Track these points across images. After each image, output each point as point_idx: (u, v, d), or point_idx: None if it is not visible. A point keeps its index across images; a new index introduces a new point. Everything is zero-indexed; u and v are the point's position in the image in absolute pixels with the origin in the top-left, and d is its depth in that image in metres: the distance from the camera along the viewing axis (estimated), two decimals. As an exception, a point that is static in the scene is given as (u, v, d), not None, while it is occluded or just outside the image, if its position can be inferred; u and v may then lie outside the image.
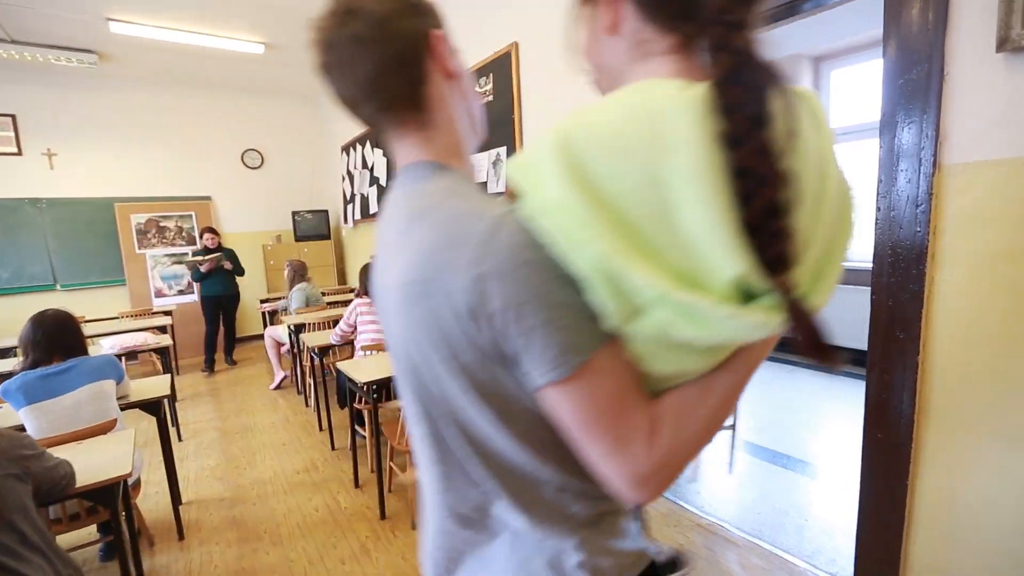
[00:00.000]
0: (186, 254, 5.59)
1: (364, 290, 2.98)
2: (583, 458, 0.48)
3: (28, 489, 1.23)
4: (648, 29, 0.48)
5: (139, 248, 5.55)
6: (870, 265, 1.43)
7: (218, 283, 4.96)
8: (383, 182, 4.81)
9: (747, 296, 0.40)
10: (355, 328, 2.96)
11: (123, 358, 3.81)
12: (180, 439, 3.35)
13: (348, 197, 5.82)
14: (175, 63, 4.98)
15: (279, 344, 4.36)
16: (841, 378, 3.81)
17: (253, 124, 6.18)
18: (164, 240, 5.70)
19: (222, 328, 5.15)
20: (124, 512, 1.63)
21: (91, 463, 1.52)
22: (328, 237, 6.42)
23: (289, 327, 3.82)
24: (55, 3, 3.67)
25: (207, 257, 4.82)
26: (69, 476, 1.35)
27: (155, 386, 2.28)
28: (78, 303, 5.25)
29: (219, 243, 5.01)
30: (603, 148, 0.40)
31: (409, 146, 0.59)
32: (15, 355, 3.46)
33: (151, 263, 5.61)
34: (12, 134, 4.97)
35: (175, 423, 3.40)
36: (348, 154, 5.67)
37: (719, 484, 2.43)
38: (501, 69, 2.98)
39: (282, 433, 3.40)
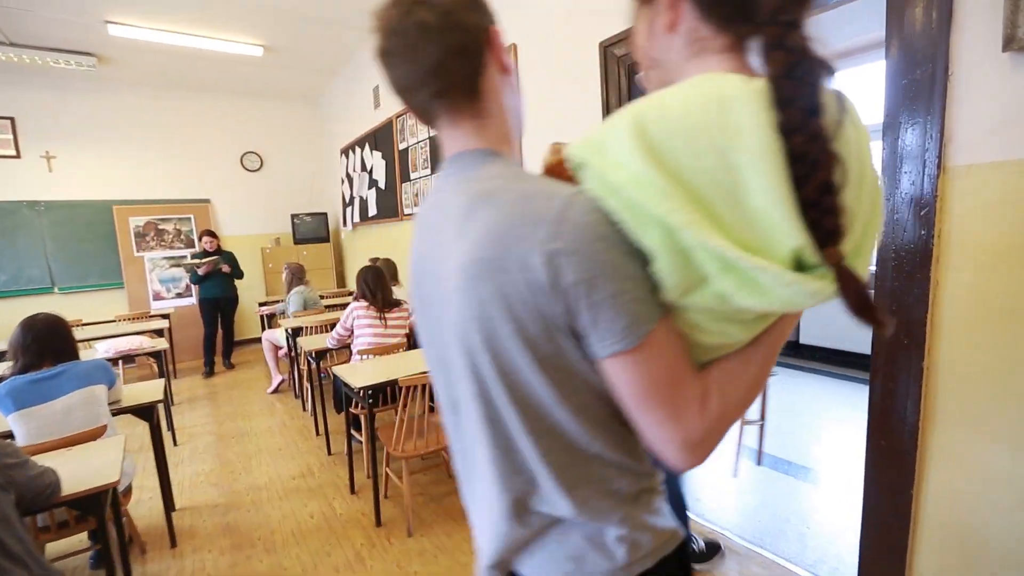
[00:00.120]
0: (184, 257, 5.57)
1: (362, 293, 2.95)
2: (638, 426, 0.51)
3: (11, 499, 1.20)
4: (704, 28, 0.52)
5: (137, 251, 5.54)
6: (873, 268, 1.40)
7: (216, 286, 4.95)
8: (382, 185, 4.79)
9: (800, 268, 0.44)
10: (352, 332, 2.93)
11: (120, 362, 3.80)
12: (175, 444, 3.32)
13: (347, 200, 5.80)
14: (174, 65, 4.97)
15: (277, 347, 4.33)
16: (844, 382, 3.78)
17: (252, 127, 6.17)
18: (163, 243, 5.68)
19: (220, 331, 5.13)
20: (114, 520, 1.60)
21: (79, 470, 1.49)
22: (327, 240, 6.40)
23: (287, 330, 3.79)
24: (54, 6, 3.66)
25: (204, 260, 4.80)
26: (54, 485, 1.32)
27: (148, 391, 2.25)
28: (76, 306, 5.24)
29: (218, 246, 5.00)
30: (678, 131, 0.43)
31: (463, 134, 0.61)
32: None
33: (149, 266, 5.60)
34: (11, 136, 4.96)
35: (170, 427, 3.37)
36: (347, 157, 5.66)
37: (719, 491, 2.39)
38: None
39: (278, 438, 3.37)
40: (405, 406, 2.14)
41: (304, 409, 3.87)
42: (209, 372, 5.08)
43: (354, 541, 2.17)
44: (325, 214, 6.41)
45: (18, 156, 5.00)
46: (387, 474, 2.48)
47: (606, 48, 2.21)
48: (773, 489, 2.40)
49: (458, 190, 0.58)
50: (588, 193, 0.48)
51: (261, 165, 6.28)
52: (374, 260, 4.08)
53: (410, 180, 4.25)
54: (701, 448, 0.49)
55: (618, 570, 0.56)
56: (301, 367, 3.84)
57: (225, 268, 4.91)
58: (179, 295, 5.74)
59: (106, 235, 5.40)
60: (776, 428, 2.94)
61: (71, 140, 5.22)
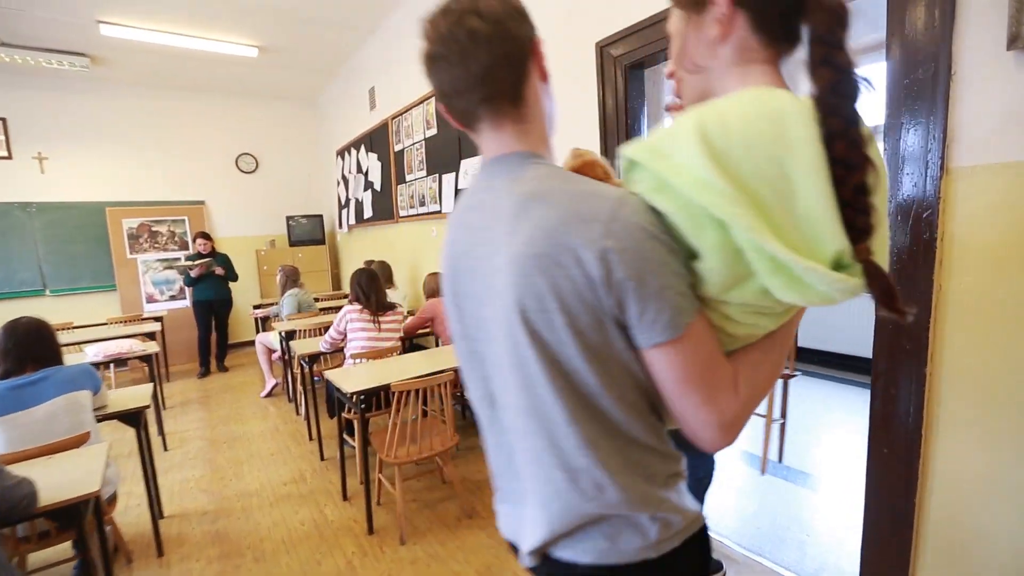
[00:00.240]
0: (178, 259, 5.52)
1: (355, 296, 2.91)
2: (677, 410, 0.56)
3: (-16, 510, 1.16)
4: (753, 40, 0.57)
5: (130, 253, 5.48)
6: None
7: (210, 288, 4.91)
8: (377, 186, 4.76)
9: (836, 267, 0.48)
10: (345, 335, 2.89)
11: (111, 365, 3.74)
12: (166, 449, 3.27)
13: (343, 202, 5.76)
14: (168, 66, 4.93)
15: (271, 351, 4.28)
16: (843, 385, 3.75)
17: (247, 128, 6.13)
18: (156, 245, 5.63)
19: (215, 333, 5.08)
20: (96, 530, 1.56)
21: (60, 479, 1.44)
22: (323, 242, 6.36)
23: (280, 333, 3.75)
24: (45, 6, 3.62)
25: (197, 262, 4.75)
26: (30, 496, 1.28)
27: (136, 396, 2.20)
28: (68, 309, 5.18)
29: (212, 248, 4.95)
30: (739, 141, 0.48)
31: (507, 137, 0.64)
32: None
33: (143, 268, 5.54)
34: (2, 137, 4.91)
35: (161, 432, 3.32)
36: (343, 158, 5.62)
37: (716, 496, 2.35)
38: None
39: (271, 442, 3.32)
40: (398, 411, 2.10)
41: (297, 413, 3.83)
42: (204, 372, 5.04)
43: (345, 549, 2.12)
44: (321, 216, 6.36)
45: (10, 157, 4.96)
46: (380, 480, 2.43)
47: (603, 48, 2.18)
48: (772, 495, 2.36)
49: (506, 190, 0.61)
50: (637, 193, 0.54)
51: (256, 167, 6.24)
52: (369, 262, 4.04)
53: (405, 182, 4.21)
54: (733, 428, 0.55)
55: (649, 547, 0.60)
56: (294, 371, 3.79)
57: (219, 270, 4.87)
58: (173, 297, 5.69)
59: (99, 237, 5.34)
60: (775, 432, 2.90)
61: (64, 141, 5.17)
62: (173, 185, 5.76)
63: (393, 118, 4.31)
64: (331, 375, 2.37)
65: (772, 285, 0.49)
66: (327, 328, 3.02)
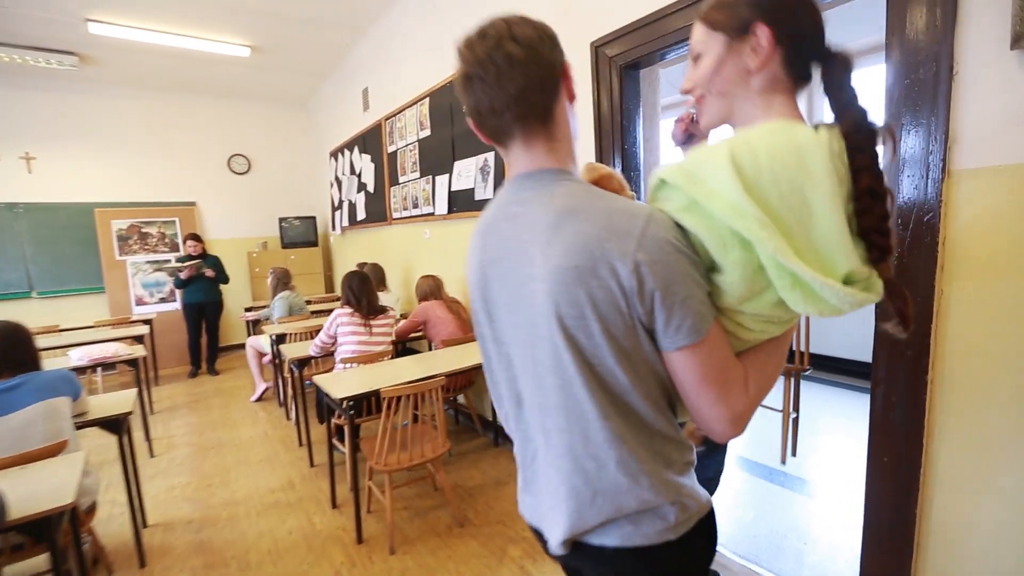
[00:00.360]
0: (168, 261, 5.44)
1: (346, 299, 2.86)
2: (694, 406, 0.63)
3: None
4: (782, 73, 0.64)
5: (119, 254, 5.40)
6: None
7: (200, 290, 4.84)
8: (370, 188, 4.71)
9: (846, 283, 0.56)
10: (336, 339, 2.84)
11: (99, 369, 3.68)
12: (152, 455, 3.20)
13: (336, 203, 5.71)
14: (159, 65, 4.86)
15: (261, 354, 4.22)
16: (842, 390, 3.73)
17: (239, 128, 6.07)
18: (146, 247, 5.55)
19: (205, 336, 5.01)
20: (73, 541, 1.50)
21: (35, 490, 1.38)
22: (315, 244, 6.29)
23: (270, 337, 3.68)
24: (32, 3, 3.55)
25: (186, 264, 4.69)
26: (-1, 508, 1.22)
27: (118, 402, 2.14)
28: (55, 311, 5.10)
29: (203, 250, 4.88)
30: (766, 171, 0.54)
31: (537, 154, 0.69)
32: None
33: (132, 270, 5.46)
34: (-11, 137, 4.83)
35: (147, 438, 3.26)
36: (336, 160, 5.57)
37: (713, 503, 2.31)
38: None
39: (260, 448, 3.26)
40: (388, 418, 2.05)
41: (288, 418, 3.77)
42: (194, 372, 4.97)
43: (333, 560, 2.07)
44: (314, 218, 6.30)
45: (-4, 157, 4.87)
46: (370, 488, 2.38)
47: (597, 48, 2.15)
48: (769, 502, 2.32)
49: (540, 204, 0.66)
50: (663, 210, 0.61)
51: (249, 168, 6.17)
52: (361, 265, 3.99)
53: (399, 184, 4.16)
54: (743, 421, 0.63)
55: (669, 529, 0.66)
56: (285, 375, 3.73)
57: (208, 272, 4.80)
58: (163, 300, 5.61)
59: (87, 238, 5.26)
60: (773, 437, 2.87)
61: (52, 141, 5.09)
62: (164, 186, 5.68)
63: (386, 119, 4.26)
64: (320, 380, 2.31)
65: (790, 299, 0.56)
66: (318, 332, 2.96)
